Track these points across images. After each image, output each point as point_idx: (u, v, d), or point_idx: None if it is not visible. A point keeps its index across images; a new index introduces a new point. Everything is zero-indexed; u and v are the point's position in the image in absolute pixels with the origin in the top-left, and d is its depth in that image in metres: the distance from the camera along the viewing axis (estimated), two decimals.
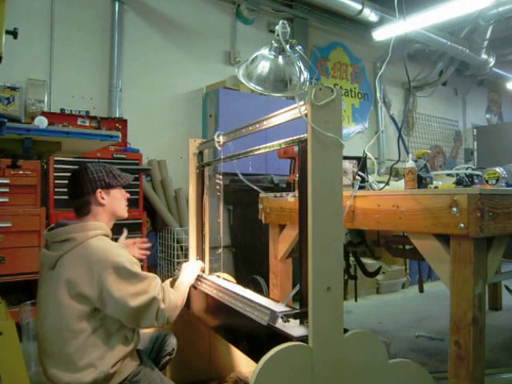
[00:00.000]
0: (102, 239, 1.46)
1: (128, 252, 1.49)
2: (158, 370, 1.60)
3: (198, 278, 1.88)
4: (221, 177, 2.04)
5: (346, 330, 1.20)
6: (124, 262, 1.39)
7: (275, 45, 1.49)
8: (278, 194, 2.18)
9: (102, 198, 1.55)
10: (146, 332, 1.76)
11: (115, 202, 1.60)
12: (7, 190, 2.78)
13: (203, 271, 2.00)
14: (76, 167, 1.60)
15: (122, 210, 1.64)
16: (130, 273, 1.39)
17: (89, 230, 1.45)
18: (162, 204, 3.82)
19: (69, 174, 1.61)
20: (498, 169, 1.83)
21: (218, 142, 1.83)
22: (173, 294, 1.54)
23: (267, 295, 2.06)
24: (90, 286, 1.36)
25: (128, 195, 1.68)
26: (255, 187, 1.96)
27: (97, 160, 3.11)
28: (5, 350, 1.25)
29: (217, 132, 1.84)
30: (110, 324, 1.42)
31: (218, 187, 2.04)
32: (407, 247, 2.33)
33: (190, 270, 1.86)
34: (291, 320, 1.25)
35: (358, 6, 4.72)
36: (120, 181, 1.62)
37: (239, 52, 4.63)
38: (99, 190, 1.54)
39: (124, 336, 1.45)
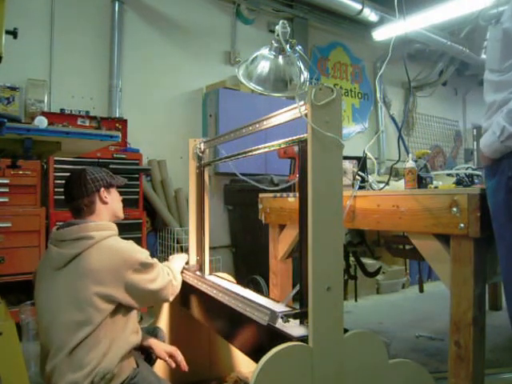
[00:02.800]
0: (118, 239, 1.53)
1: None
2: (154, 372, 1.60)
3: (183, 271, 1.96)
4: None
5: (346, 330, 1.20)
6: (143, 258, 1.51)
7: (275, 45, 1.49)
8: (278, 194, 2.18)
9: (105, 197, 1.60)
10: None
11: (116, 201, 1.66)
12: (7, 190, 2.77)
13: (187, 263, 2.06)
14: (75, 168, 1.62)
15: (120, 211, 1.70)
16: (147, 265, 1.52)
17: (104, 230, 1.50)
18: (162, 204, 3.82)
19: (69, 174, 1.62)
20: None
21: (200, 148, 1.97)
22: (177, 272, 1.78)
23: (267, 295, 2.06)
24: (115, 287, 1.43)
25: (121, 197, 1.74)
26: (261, 186, 1.98)
27: (97, 160, 3.11)
28: (5, 350, 1.24)
29: (199, 140, 1.99)
30: (119, 319, 1.45)
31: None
32: (407, 247, 2.33)
33: (178, 261, 1.95)
34: (291, 320, 1.25)
35: (358, 6, 4.72)
36: (118, 181, 1.68)
37: (239, 52, 4.63)
38: (103, 189, 1.59)
39: (128, 333, 1.47)
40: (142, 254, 1.52)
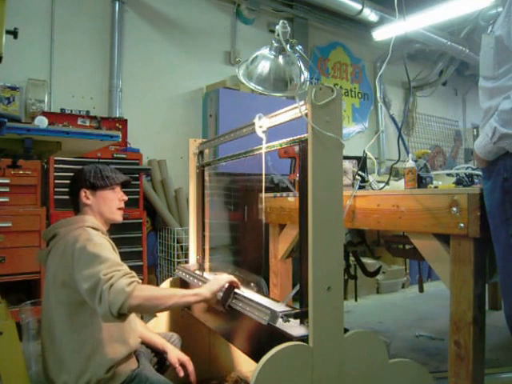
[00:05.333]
0: (84, 229, 1.43)
1: (105, 239, 1.43)
2: (156, 373, 1.57)
3: (185, 272, 1.71)
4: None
5: (346, 330, 1.20)
6: (89, 245, 1.32)
7: (275, 44, 1.49)
8: (278, 194, 2.18)
9: (87, 198, 1.53)
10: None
11: (102, 203, 1.54)
12: (7, 189, 2.77)
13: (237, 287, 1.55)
14: (76, 168, 1.62)
15: (111, 213, 1.56)
16: (93, 255, 1.30)
17: (74, 224, 1.46)
18: (162, 204, 3.82)
19: (69, 174, 1.63)
20: None
21: (261, 126, 1.46)
22: (141, 284, 1.29)
23: (267, 295, 2.06)
24: (67, 274, 1.35)
25: (125, 198, 1.61)
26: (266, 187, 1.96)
27: (97, 160, 3.11)
28: (5, 350, 1.25)
29: (257, 115, 1.45)
30: (98, 325, 1.39)
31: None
32: (407, 247, 2.33)
33: (212, 283, 1.49)
34: (291, 320, 1.25)
35: (358, 6, 4.72)
36: (107, 182, 1.56)
37: (239, 52, 4.63)
38: (83, 190, 1.53)
39: (119, 335, 1.44)
40: (90, 241, 1.33)
